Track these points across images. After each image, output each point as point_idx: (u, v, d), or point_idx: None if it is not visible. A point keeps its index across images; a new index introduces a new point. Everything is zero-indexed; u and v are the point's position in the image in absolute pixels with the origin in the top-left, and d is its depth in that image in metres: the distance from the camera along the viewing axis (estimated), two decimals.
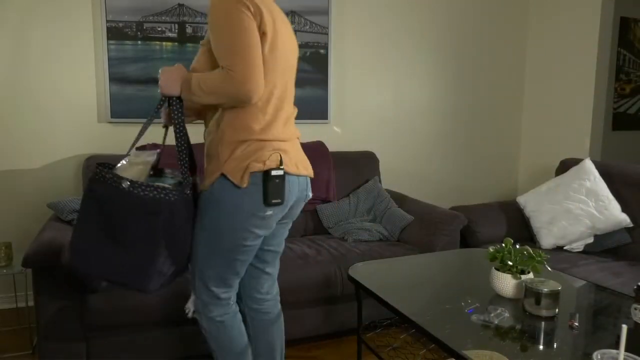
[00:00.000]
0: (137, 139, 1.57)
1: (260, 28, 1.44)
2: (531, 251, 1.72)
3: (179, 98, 1.53)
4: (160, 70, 1.52)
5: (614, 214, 2.62)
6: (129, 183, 1.42)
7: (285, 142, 1.56)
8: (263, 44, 1.45)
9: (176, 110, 1.53)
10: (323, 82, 3.27)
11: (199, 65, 1.55)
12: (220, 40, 1.43)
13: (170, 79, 1.50)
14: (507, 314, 1.55)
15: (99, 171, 1.45)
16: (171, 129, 1.61)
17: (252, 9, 1.42)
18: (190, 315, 1.68)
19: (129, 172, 1.50)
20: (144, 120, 1.64)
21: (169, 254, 1.48)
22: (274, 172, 1.48)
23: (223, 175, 1.48)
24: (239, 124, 1.49)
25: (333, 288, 2.33)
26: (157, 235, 1.44)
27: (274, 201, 1.50)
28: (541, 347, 1.39)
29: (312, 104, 3.27)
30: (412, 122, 3.63)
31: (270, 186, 1.48)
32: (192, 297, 1.66)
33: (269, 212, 1.53)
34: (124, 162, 1.54)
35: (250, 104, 1.45)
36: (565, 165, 3.05)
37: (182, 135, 1.54)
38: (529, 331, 1.47)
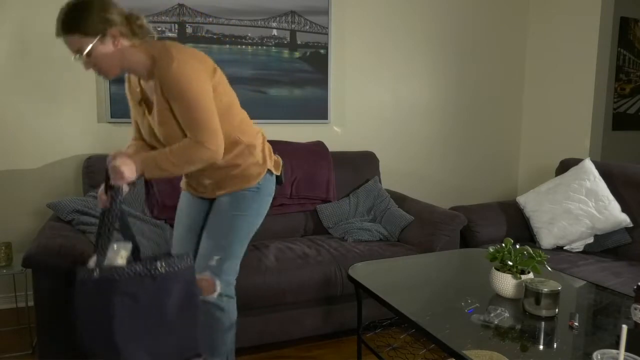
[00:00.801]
0: (107, 238, 1.48)
1: (217, 89, 1.61)
2: (531, 251, 1.71)
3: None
4: (111, 165, 1.50)
5: (614, 214, 2.63)
6: (163, 264, 1.43)
7: None
8: (227, 90, 1.67)
9: (119, 196, 1.52)
10: (323, 82, 3.27)
11: (164, 130, 1.61)
12: (188, 113, 1.54)
13: (128, 169, 1.50)
14: (507, 314, 1.55)
15: (124, 270, 1.39)
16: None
17: (209, 71, 1.59)
18: (216, 296, 1.71)
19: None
20: None
21: None
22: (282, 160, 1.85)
23: (268, 170, 1.77)
24: (249, 132, 1.74)
25: (333, 288, 2.33)
26: (198, 299, 1.54)
27: (283, 182, 1.87)
28: (541, 347, 1.39)
29: (312, 104, 3.27)
30: (412, 122, 3.63)
31: (283, 170, 1.85)
32: (219, 283, 1.70)
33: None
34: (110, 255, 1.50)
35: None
36: (565, 165, 3.05)
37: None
38: (529, 331, 1.47)
